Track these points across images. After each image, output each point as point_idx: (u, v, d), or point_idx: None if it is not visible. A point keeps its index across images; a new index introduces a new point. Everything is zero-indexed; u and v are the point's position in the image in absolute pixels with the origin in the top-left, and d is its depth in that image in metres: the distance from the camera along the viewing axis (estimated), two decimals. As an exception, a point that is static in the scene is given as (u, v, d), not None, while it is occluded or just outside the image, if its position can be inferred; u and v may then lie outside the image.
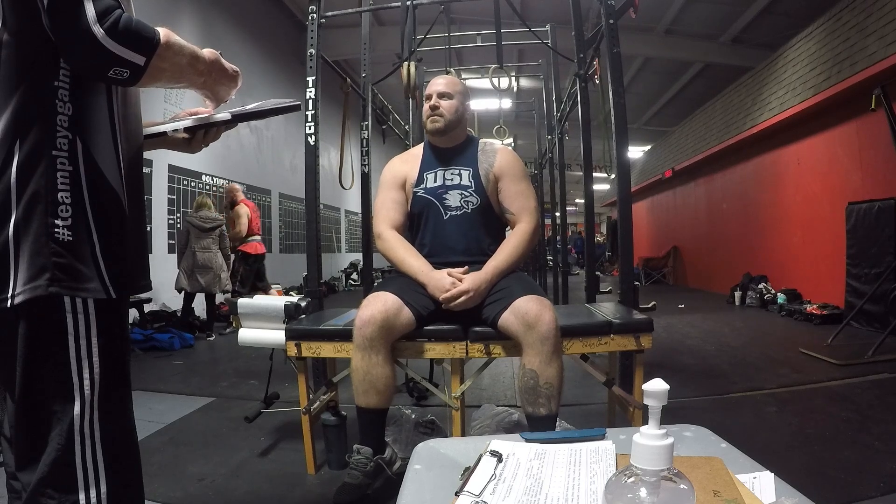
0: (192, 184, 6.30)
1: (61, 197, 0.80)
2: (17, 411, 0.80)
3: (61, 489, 0.79)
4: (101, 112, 0.85)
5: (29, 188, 0.79)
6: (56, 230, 0.79)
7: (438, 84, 1.91)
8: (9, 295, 0.78)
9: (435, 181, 1.90)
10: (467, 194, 1.87)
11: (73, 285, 0.81)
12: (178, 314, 5.17)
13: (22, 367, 0.79)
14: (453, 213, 1.87)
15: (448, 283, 1.70)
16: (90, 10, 0.74)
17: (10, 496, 0.90)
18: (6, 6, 0.77)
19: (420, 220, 1.91)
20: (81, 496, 0.80)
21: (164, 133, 1.03)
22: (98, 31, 0.74)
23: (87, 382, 0.81)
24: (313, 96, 2.66)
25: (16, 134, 0.79)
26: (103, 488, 0.82)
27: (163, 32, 0.82)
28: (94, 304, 0.83)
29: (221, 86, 0.98)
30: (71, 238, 0.81)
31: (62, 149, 0.80)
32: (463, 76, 5.72)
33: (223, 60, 0.97)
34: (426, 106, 1.90)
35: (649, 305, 2.34)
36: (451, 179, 1.89)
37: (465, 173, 1.89)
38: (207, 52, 0.94)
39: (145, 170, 4.82)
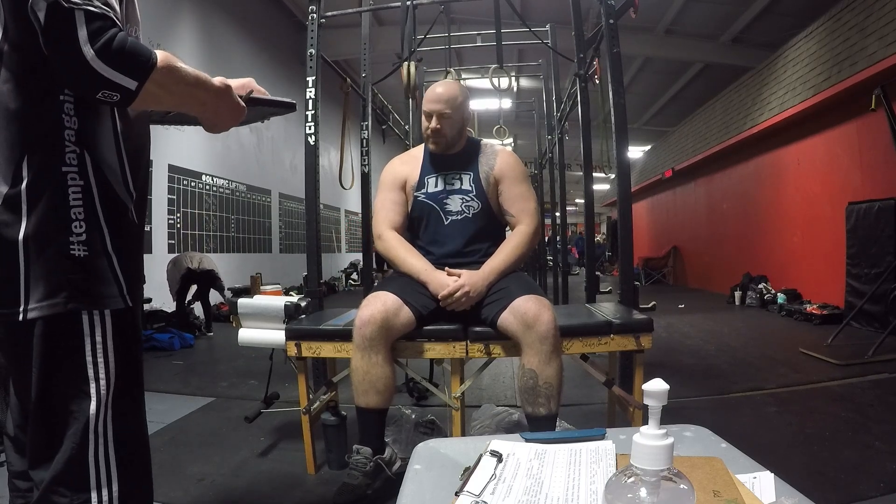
0: (192, 184, 6.30)
1: (74, 213, 0.79)
2: (34, 411, 0.81)
3: (74, 488, 0.80)
4: (105, 122, 0.84)
5: (41, 205, 0.78)
6: (72, 247, 0.79)
7: (437, 103, 1.80)
8: (20, 309, 0.78)
9: (436, 186, 1.89)
10: (468, 199, 1.87)
11: (92, 300, 0.81)
12: (174, 311, 5.17)
13: (39, 369, 0.79)
14: (454, 217, 1.87)
15: (449, 281, 1.71)
16: (83, 30, 0.71)
17: (13, 495, 0.90)
18: (9, 22, 0.77)
19: (420, 225, 1.91)
20: (94, 495, 0.81)
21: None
22: (88, 51, 0.71)
23: (102, 382, 0.82)
24: (313, 96, 2.66)
25: (24, 150, 0.78)
26: (115, 488, 0.83)
27: (162, 56, 0.77)
28: (110, 309, 0.83)
29: (222, 117, 0.93)
30: (87, 252, 0.80)
31: (72, 164, 0.79)
32: (463, 76, 5.73)
33: (233, 93, 0.92)
34: (425, 125, 1.84)
35: (649, 305, 2.34)
36: (452, 184, 1.88)
37: (465, 178, 1.88)
38: (218, 81, 0.89)
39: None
